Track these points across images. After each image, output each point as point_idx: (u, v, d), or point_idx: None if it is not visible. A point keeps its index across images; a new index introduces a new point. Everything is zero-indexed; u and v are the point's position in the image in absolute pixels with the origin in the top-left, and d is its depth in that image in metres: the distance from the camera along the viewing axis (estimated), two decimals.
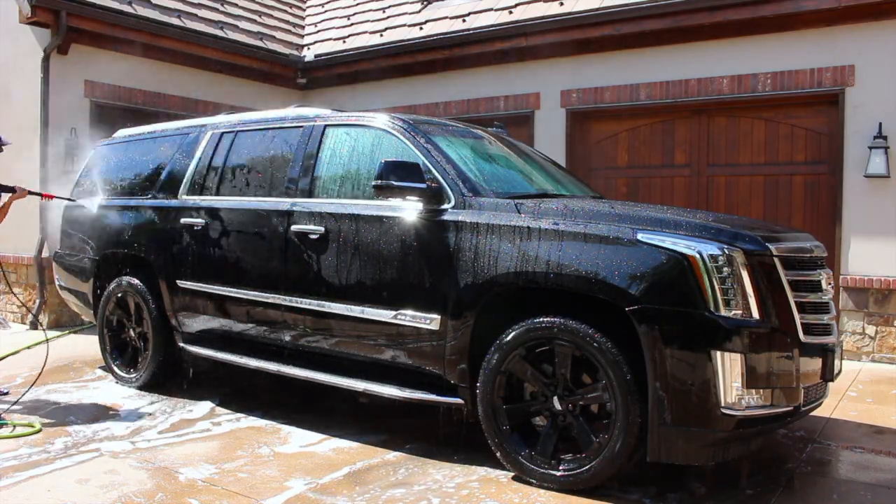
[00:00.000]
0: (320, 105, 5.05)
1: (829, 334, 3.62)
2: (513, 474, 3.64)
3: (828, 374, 3.56)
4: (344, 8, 11.15)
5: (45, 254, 7.86)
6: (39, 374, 5.05)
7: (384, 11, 10.33)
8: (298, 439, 4.25)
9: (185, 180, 5.23)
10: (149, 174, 5.57)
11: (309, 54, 10.19)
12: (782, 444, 4.30)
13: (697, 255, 3.20)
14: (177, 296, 5.11)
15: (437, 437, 4.43)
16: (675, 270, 3.23)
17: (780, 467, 3.90)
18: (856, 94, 6.73)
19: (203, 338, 5.09)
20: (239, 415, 4.71)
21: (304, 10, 11.76)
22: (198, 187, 5.13)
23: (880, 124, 6.57)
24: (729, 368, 3.14)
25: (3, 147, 4.85)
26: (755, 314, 3.23)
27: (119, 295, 5.53)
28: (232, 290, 4.75)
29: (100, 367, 5.98)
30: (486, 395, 3.64)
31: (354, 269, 4.16)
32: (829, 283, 3.75)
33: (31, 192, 5.18)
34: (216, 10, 9.75)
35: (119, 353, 5.61)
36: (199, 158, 5.21)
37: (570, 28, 7.97)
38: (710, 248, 3.22)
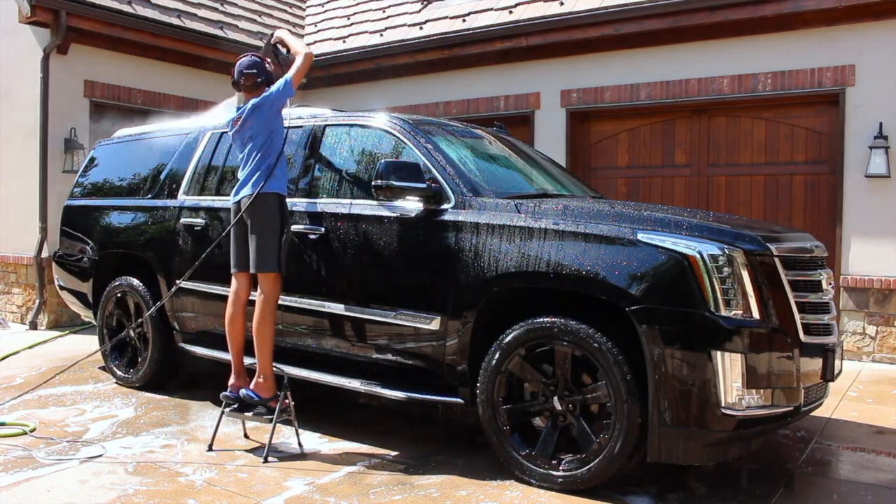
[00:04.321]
0: (320, 105, 5.04)
1: (830, 334, 3.62)
2: (513, 474, 3.63)
3: (828, 375, 3.56)
4: (344, 8, 11.14)
5: (44, 254, 7.86)
6: None
7: (384, 11, 10.33)
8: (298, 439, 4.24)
9: (184, 180, 5.22)
10: (148, 174, 5.57)
11: None
12: (782, 444, 4.30)
13: (698, 255, 3.20)
14: (176, 296, 5.10)
15: (436, 437, 4.43)
16: (675, 270, 3.23)
17: (781, 467, 3.90)
18: (856, 93, 6.73)
19: (203, 338, 5.09)
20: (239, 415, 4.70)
21: (304, 10, 11.76)
22: (197, 187, 5.13)
23: (881, 124, 6.57)
24: (729, 368, 3.14)
25: None
26: (755, 314, 3.22)
27: (119, 295, 5.52)
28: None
29: (99, 367, 5.98)
30: (486, 396, 3.64)
31: (354, 269, 4.16)
32: (830, 283, 3.75)
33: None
34: (216, 10, 9.75)
35: (119, 353, 5.60)
36: (199, 158, 5.21)
37: (570, 28, 7.96)
38: (710, 248, 3.22)
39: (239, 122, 4.18)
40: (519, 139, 5.61)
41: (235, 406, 4.12)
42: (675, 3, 7.24)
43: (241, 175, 4.18)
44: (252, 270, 4.10)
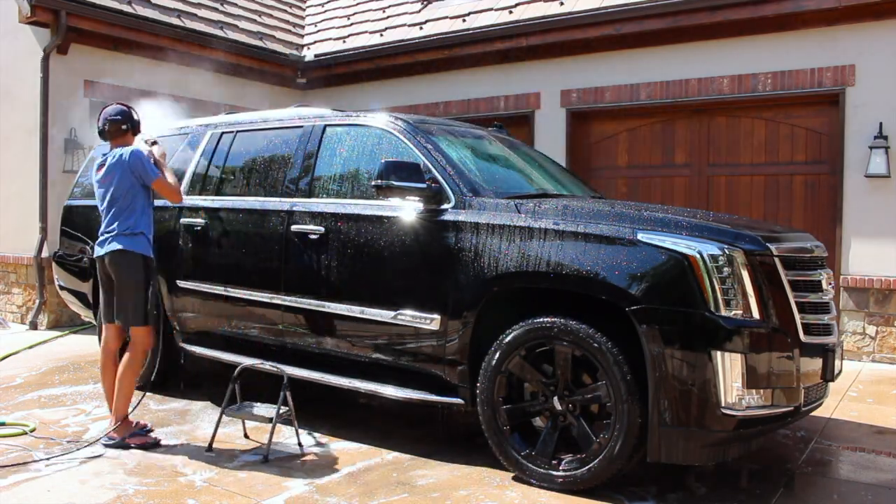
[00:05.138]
0: (320, 105, 5.04)
1: (830, 334, 3.62)
2: (513, 474, 3.63)
3: (828, 375, 3.56)
4: (344, 8, 11.15)
5: (44, 254, 7.85)
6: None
7: (384, 11, 10.33)
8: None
9: (184, 180, 5.21)
10: None
11: (309, 54, 10.19)
12: (782, 444, 4.30)
13: (698, 255, 3.20)
14: (177, 296, 5.11)
15: (437, 437, 4.43)
16: (675, 270, 3.23)
17: (781, 467, 3.90)
18: (856, 93, 6.73)
19: (203, 338, 5.08)
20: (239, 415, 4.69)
21: (304, 10, 11.76)
22: (198, 187, 5.13)
23: (881, 124, 6.57)
24: (729, 368, 3.14)
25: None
26: (755, 314, 3.22)
27: None
28: (232, 290, 4.74)
29: (99, 368, 5.96)
30: (486, 396, 3.64)
31: (354, 269, 4.16)
32: (830, 283, 3.75)
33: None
34: (216, 10, 9.75)
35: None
36: (199, 158, 5.21)
37: (570, 28, 7.96)
38: (710, 248, 3.22)
39: (103, 171, 4.15)
40: (519, 139, 5.61)
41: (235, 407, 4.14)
42: (675, 3, 7.25)
43: (105, 226, 4.14)
44: (121, 325, 4.17)
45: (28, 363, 6.21)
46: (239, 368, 4.22)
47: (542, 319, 3.49)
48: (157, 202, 5.32)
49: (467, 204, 3.83)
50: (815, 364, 3.50)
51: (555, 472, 3.46)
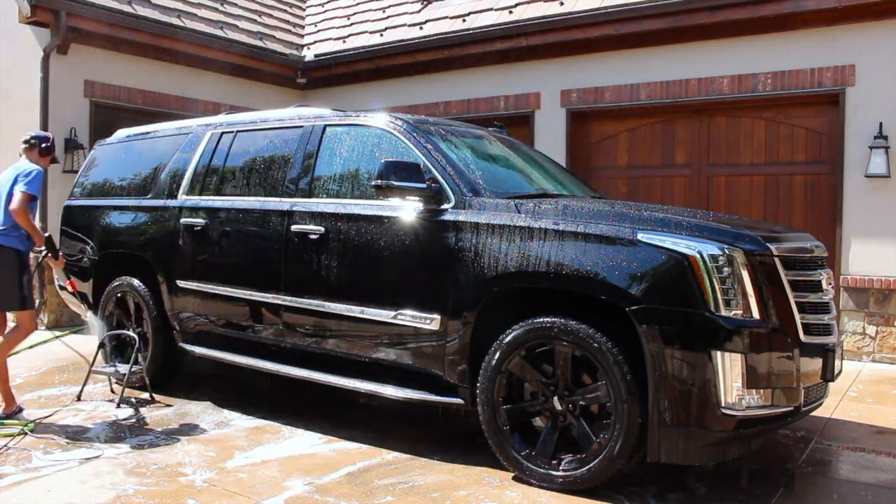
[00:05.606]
0: (320, 105, 5.04)
1: (830, 334, 3.62)
2: (513, 474, 3.63)
3: (828, 375, 3.56)
4: (344, 8, 11.15)
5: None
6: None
7: (384, 11, 10.33)
8: (298, 439, 4.25)
9: (184, 180, 5.22)
10: (149, 174, 5.57)
11: (309, 54, 10.19)
12: (782, 444, 4.30)
13: (698, 255, 3.20)
14: (177, 296, 5.11)
15: (437, 437, 4.43)
16: (675, 270, 3.23)
17: (781, 467, 3.90)
18: (856, 93, 6.73)
19: (203, 338, 5.09)
20: (239, 415, 4.70)
21: (304, 10, 11.76)
22: (198, 187, 5.13)
23: (881, 124, 6.56)
24: (729, 368, 3.14)
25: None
26: (755, 314, 3.22)
27: (119, 295, 5.52)
28: (232, 289, 4.75)
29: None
30: (486, 396, 3.64)
31: (354, 269, 4.16)
32: (830, 283, 3.75)
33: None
34: (216, 10, 9.75)
35: (119, 353, 5.60)
36: (199, 158, 5.21)
37: (570, 28, 7.97)
38: (710, 248, 3.22)
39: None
40: (519, 139, 5.61)
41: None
42: (675, 3, 7.25)
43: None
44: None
45: (28, 363, 6.21)
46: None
47: (542, 319, 3.49)
48: (156, 202, 5.33)
49: (467, 204, 3.83)
50: (815, 364, 3.50)
51: (555, 472, 3.46)
